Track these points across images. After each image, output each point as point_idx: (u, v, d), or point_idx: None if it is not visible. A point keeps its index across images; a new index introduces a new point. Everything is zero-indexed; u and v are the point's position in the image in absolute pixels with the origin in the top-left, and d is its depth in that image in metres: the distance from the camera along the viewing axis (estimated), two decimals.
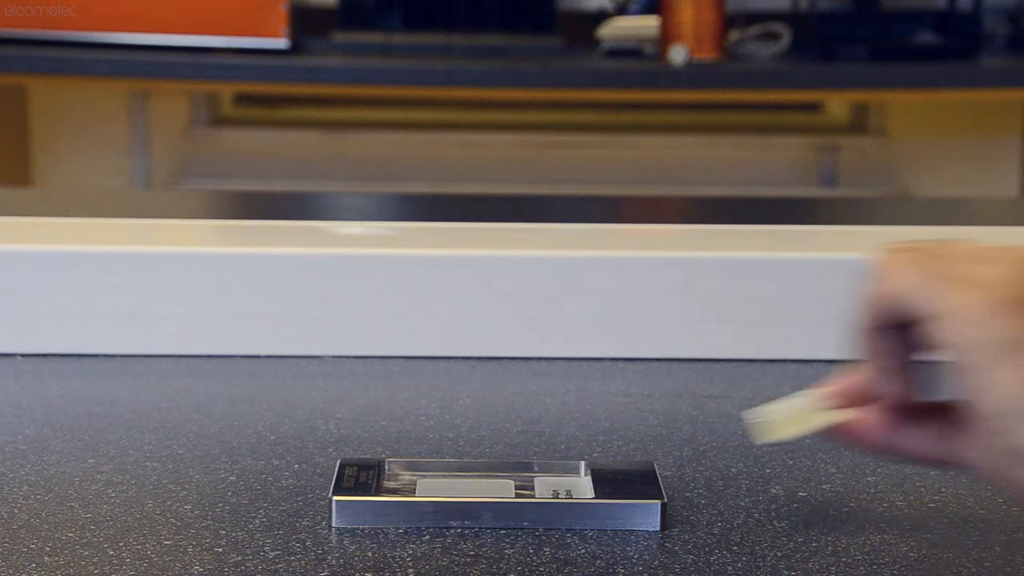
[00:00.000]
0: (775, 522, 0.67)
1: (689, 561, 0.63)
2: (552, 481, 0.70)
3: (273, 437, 0.80)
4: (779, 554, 0.64)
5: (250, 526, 0.67)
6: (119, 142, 3.34)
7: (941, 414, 0.60)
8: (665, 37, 2.89)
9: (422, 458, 0.74)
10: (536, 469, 0.72)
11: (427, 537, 0.65)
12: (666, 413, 0.86)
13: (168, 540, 0.65)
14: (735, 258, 0.97)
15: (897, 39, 3.06)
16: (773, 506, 0.70)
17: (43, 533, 0.65)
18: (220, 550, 0.64)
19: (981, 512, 0.69)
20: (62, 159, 3.36)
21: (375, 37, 3.00)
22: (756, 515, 0.68)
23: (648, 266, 0.97)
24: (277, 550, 0.64)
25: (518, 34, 3.03)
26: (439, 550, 0.64)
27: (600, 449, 0.79)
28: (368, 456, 0.76)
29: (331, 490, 0.68)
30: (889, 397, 0.61)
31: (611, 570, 0.62)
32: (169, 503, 0.69)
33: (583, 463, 0.71)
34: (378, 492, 0.68)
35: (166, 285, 0.96)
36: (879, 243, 0.60)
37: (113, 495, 0.70)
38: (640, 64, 2.93)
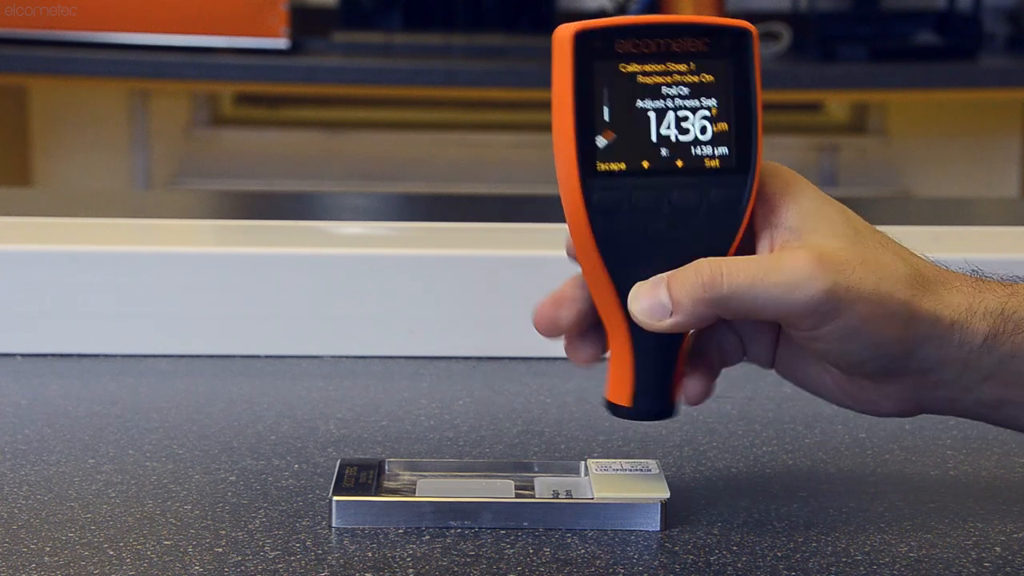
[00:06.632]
0: (775, 522, 0.67)
1: (689, 561, 0.63)
2: (552, 481, 0.70)
3: (273, 437, 0.80)
4: (779, 554, 0.64)
5: (250, 526, 0.67)
6: (119, 142, 3.34)
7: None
8: None
9: (422, 458, 0.74)
10: (536, 469, 0.72)
11: (427, 537, 0.65)
12: None
13: (168, 540, 0.65)
14: None
15: (897, 39, 3.06)
16: (773, 506, 0.70)
17: (43, 533, 0.65)
18: (220, 550, 0.64)
19: (981, 512, 0.69)
20: (62, 159, 3.36)
21: (375, 37, 3.00)
22: (756, 515, 0.68)
23: None
24: (277, 550, 0.64)
25: (518, 34, 3.03)
26: (439, 550, 0.64)
27: (600, 449, 0.79)
28: (368, 456, 0.76)
29: (331, 490, 0.68)
30: None
31: (611, 570, 0.62)
32: (169, 503, 0.69)
33: (583, 463, 0.71)
34: (378, 492, 0.68)
35: (166, 285, 0.96)
36: None
37: (113, 495, 0.70)
38: None
